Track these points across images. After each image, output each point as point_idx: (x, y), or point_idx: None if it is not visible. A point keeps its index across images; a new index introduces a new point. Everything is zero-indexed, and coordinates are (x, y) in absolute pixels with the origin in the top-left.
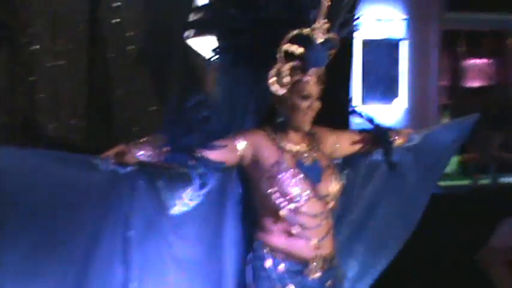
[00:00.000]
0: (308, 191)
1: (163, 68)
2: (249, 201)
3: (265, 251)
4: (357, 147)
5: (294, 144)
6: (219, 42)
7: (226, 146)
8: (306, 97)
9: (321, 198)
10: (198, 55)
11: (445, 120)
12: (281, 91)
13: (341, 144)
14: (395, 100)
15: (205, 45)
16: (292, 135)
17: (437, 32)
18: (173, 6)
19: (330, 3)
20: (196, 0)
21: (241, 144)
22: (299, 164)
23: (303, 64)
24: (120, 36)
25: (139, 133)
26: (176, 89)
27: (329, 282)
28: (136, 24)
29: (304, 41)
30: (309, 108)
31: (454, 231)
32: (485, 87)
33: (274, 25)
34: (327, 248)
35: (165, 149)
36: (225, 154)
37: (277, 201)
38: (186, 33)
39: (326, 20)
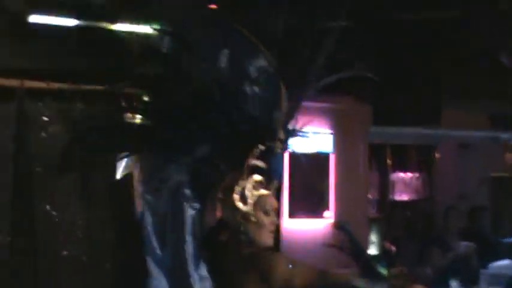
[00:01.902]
0: None
1: (88, 183)
2: None
3: None
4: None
5: None
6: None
7: None
8: (269, 212)
9: None
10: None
11: (373, 233)
12: (245, 207)
13: (294, 277)
14: (325, 213)
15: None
16: None
17: (365, 146)
18: (100, 122)
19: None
20: None
21: None
22: None
23: (264, 178)
24: (46, 150)
25: (67, 246)
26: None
27: None
28: (63, 139)
29: (268, 154)
30: (271, 224)
31: None
32: (413, 201)
33: (243, 139)
34: None
35: None
36: None
37: None
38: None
39: (283, 133)
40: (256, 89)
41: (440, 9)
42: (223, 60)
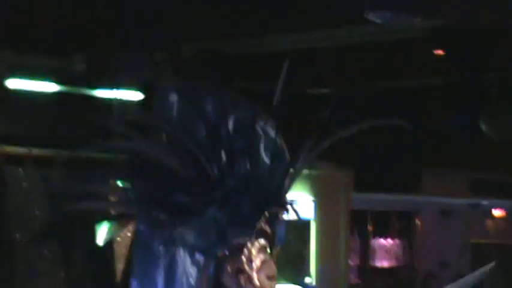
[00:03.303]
0: None
1: (68, 250)
2: None
3: None
4: None
5: None
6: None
7: None
8: (272, 277)
9: None
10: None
11: None
12: (251, 271)
13: None
14: (306, 279)
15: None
16: None
17: (346, 213)
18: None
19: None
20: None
21: None
22: None
23: (268, 243)
24: (25, 215)
25: None
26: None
27: None
28: (42, 205)
29: (273, 220)
30: None
31: None
32: (394, 267)
33: (254, 205)
34: None
35: None
36: None
37: None
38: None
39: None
40: (266, 154)
41: (422, 77)
42: (231, 127)
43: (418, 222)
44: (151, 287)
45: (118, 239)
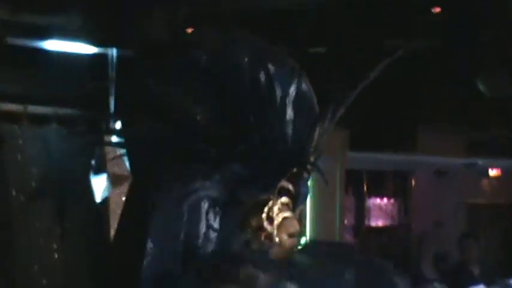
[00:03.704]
0: None
1: (65, 206)
2: None
3: None
4: None
5: None
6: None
7: None
8: (293, 235)
9: None
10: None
11: None
12: (270, 227)
13: None
14: (301, 239)
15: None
16: None
17: (341, 172)
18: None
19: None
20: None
21: None
22: None
23: (291, 201)
24: (21, 174)
25: (40, 276)
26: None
27: None
28: (38, 162)
29: (297, 177)
30: (293, 246)
31: None
32: (389, 227)
33: (277, 161)
34: None
35: None
36: None
37: None
38: None
39: (313, 156)
40: (293, 110)
41: (420, 38)
42: (262, 78)
43: (413, 182)
44: (171, 245)
45: (113, 196)
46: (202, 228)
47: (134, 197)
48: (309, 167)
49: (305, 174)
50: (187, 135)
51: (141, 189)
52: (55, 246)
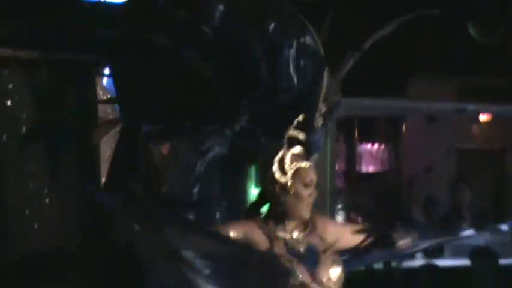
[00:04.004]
0: (305, 277)
1: (55, 151)
2: None
3: None
4: (359, 241)
5: (287, 231)
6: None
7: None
8: (308, 184)
9: (321, 283)
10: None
11: (340, 204)
12: (283, 178)
13: (343, 235)
14: None
15: None
16: (287, 223)
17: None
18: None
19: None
20: None
21: (232, 234)
22: (291, 251)
23: (304, 150)
24: (11, 118)
25: (31, 220)
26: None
27: None
28: (28, 107)
29: (308, 127)
30: (310, 196)
31: None
32: (380, 173)
33: (283, 111)
34: None
35: None
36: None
37: None
38: None
39: (325, 104)
40: (299, 61)
41: None
42: (269, 29)
43: (404, 127)
44: (185, 197)
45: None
46: (214, 184)
47: (124, 140)
48: (317, 115)
49: (316, 123)
50: (196, 91)
51: (131, 134)
52: (46, 190)
